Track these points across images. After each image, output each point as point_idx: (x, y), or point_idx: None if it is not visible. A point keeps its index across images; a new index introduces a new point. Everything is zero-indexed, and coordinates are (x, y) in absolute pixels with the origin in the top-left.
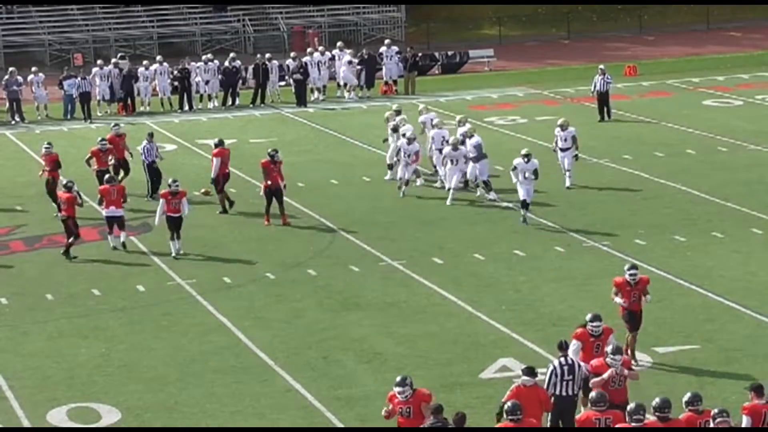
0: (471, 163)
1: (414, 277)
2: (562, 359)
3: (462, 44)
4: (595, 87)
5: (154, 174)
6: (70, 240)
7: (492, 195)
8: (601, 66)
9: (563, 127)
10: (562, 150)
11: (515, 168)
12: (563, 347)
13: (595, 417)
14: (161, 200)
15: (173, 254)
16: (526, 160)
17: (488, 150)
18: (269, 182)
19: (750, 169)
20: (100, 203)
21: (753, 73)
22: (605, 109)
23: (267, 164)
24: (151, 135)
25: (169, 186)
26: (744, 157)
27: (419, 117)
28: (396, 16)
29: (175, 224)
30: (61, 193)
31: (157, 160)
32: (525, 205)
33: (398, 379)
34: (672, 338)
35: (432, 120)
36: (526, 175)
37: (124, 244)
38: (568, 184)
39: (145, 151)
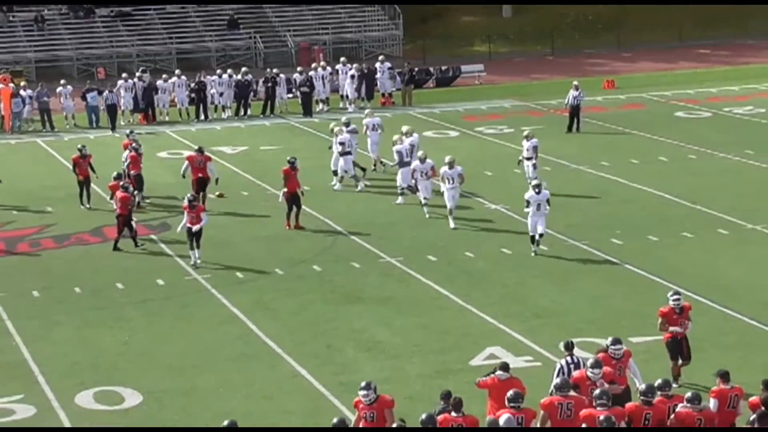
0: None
1: (410, 273)
2: (569, 358)
3: (455, 60)
4: (567, 101)
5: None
6: (127, 236)
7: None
8: (575, 82)
9: (528, 138)
10: (526, 159)
11: (528, 202)
12: (570, 347)
13: (558, 402)
14: (185, 213)
15: (192, 262)
16: (537, 191)
17: (478, 156)
18: (287, 189)
19: (717, 175)
20: (110, 198)
21: (720, 87)
22: (576, 122)
23: (288, 171)
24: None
25: (188, 199)
26: (712, 164)
27: (364, 119)
28: (394, 34)
29: (193, 236)
30: (119, 192)
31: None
32: (534, 239)
33: (363, 383)
34: (645, 329)
35: (374, 124)
36: (539, 207)
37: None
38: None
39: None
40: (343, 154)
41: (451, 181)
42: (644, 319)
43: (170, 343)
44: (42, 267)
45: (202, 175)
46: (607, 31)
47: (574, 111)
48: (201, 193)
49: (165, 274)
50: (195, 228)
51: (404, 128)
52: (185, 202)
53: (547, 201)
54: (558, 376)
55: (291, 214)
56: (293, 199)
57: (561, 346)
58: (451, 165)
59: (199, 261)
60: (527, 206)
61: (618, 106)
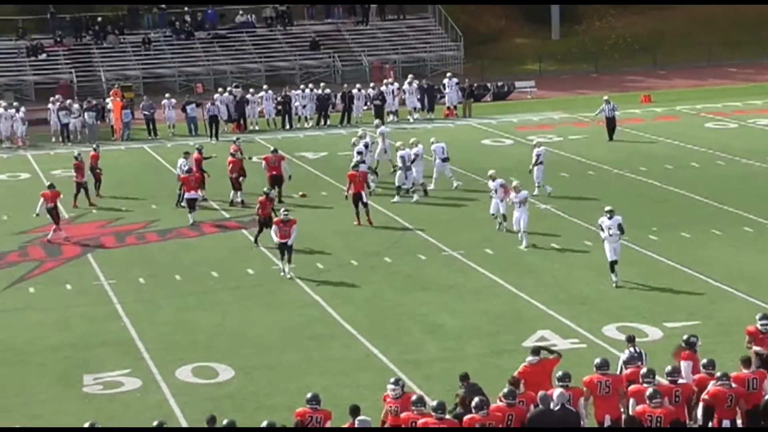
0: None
1: (469, 265)
2: (632, 349)
3: (509, 77)
4: (602, 113)
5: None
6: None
7: (396, 199)
8: (605, 97)
9: (538, 145)
10: (538, 164)
11: (601, 227)
12: (631, 340)
13: (597, 380)
14: (274, 226)
15: (282, 274)
16: (609, 216)
17: (530, 161)
18: (351, 190)
19: (742, 179)
20: (180, 188)
21: (746, 101)
22: (613, 131)
23: (353, 175)
24: (186, 154)
25: (282, 214)
26: (737, 169)
27: (378, 129)
28: (456, 54)
29: (285, 249)
30: (261, 199)
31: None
32: (613, 265)
33: (392, 379)
34: (678, 315)
35: (383, 132)
36: (611, 231)
37: (194, 223)
38: (536, 192)
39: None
40: (361, 162)
41: (519, 205)
42: (677, 307)
43: (259, 324)
44: (147, 257)
45: (276, 172)
46: (645, 52)
47: (611, 123)
48: (278, 189)
49: (254, 264)
50: (289, 242)
51: (412, 140)
52: (280, 216)
53: (619, 227)
54: (622, 365)
55: (359, 212)
56: (358, 199)
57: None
58: (517, 189)
59: (289, 275)
60: (601, 230)
61: (654, 117)
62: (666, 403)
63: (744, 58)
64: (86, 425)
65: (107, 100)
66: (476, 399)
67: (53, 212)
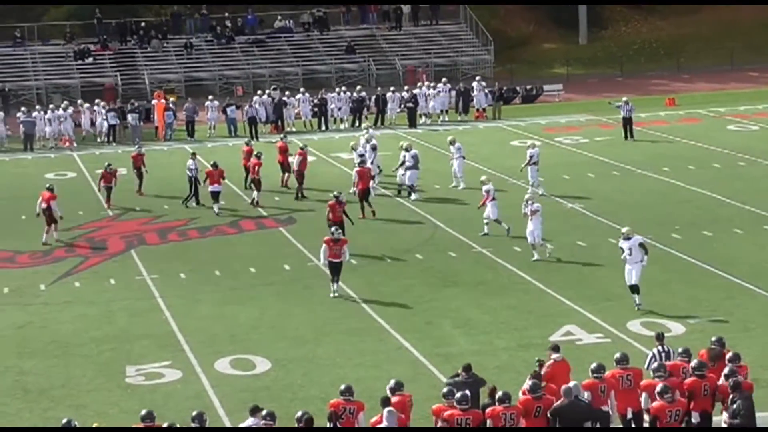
0: (407, 171)
1: (498, 261)
2: (660, 347)
3: (538, 80)
4: (620, 109)
5: (193, 185)
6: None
7: (414, 196)
8: (625, 98)
9: (532, 146)
10: (531, 164)
11: (622, 249)
12: (660, 338)
13: (619, 374)
14: (323, 245)
15: (331, 294)
16: (626, 237)
17: (557, 162)
18: (360, 186)
19: (763, 180)
20: (204, 181)
21: (766, 104)
22: (630, 130)
23: (362, 171)
24: (194, 155)
25: (332, 233)
26: (758, 169)
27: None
28: (486, 58)
29: (336, 269)
30: (331, 203)
31: (197, 175)
32: (634, 289)
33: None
34: (700, 311)
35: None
36: (632, 252)
37: (217, 213)
38: (541, 191)
39: (190, 167)
40: (411, 168)
41: (531, 218)
42: (699, 303)
43: (294, 318)
44: (188, 253)
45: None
46: (669, 56)
47: (627, 122)
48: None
49: (290, 260)
50: (337, 261)
51: (404, 144)
52: (329, 235)
53: (641, 245)
54: (650, 362)
55: (363, 206)
56: (367, 194)
57: (653, 336)
58: (530, 202)
59: (337, 294)
60: (622, 253)
61: (678, 120)
62: (678, 396)
63: (765, 63)
64: (63, 421)
65: (152, 102)
66: (500, 392)
67: (46, 212)
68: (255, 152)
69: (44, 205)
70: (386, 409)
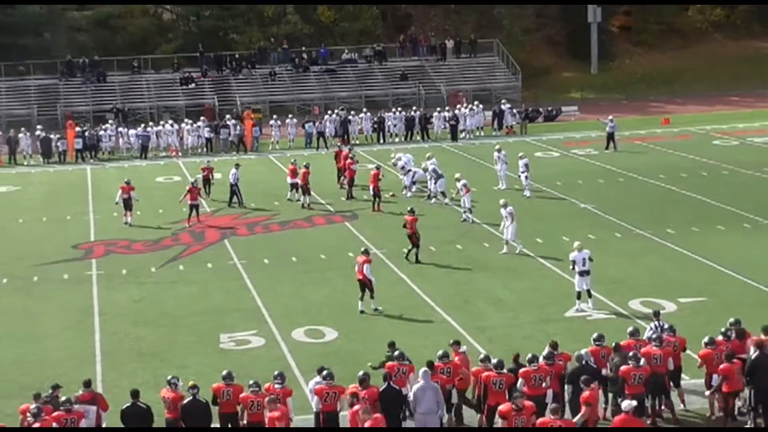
0: (437, 181)
1: (523, 251)
2: (657, 322)
3: (557, 103)
4: (605, 126)
5: (236, 191)
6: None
7: (446, 200)
8: (610, 116)
9: (521, 158)
10: (521, 173)
11: (573, 262)
12: (657, 315)
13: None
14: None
15: (359, 310)
16: (578, 250)
17: (573, 170)
18: (372, 183)
19: (742, 186)
20: (232, 193)
21: (746, 123)
22: (612, 143)
23: (375, 174)
24: (237, 165)
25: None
26: (739, 177)
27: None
28: (515, 85)
29: (361, 287)
30: (410, 218)
31: (238, 182)
32: (580, 295)
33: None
34: (690, 292)
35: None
36: (584, 263)
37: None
38: (527, 194)
39: (233, 175)
40: (437, 179)
41: (508, 219)
42: (689, 286)
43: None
44: (270, 243)
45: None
46: (665, 84)
47: (610, 136)
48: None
49: (354, 248)
50: (362, 279)
51: (428, 154)
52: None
53: (590, 258)
54: (649, 334)
55: (374, 201)
56: (378, 192)
57: (651, 313)
58: (505, 205)
59: (363, 311)
60: (572, 267)
61: (672, 136)
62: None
63: (744, 90)
64: (169, 377)
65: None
66: (530, 354)
67: (127, 202)
68: (305, 162)
69: (125, 196)
70: (422, 370)
